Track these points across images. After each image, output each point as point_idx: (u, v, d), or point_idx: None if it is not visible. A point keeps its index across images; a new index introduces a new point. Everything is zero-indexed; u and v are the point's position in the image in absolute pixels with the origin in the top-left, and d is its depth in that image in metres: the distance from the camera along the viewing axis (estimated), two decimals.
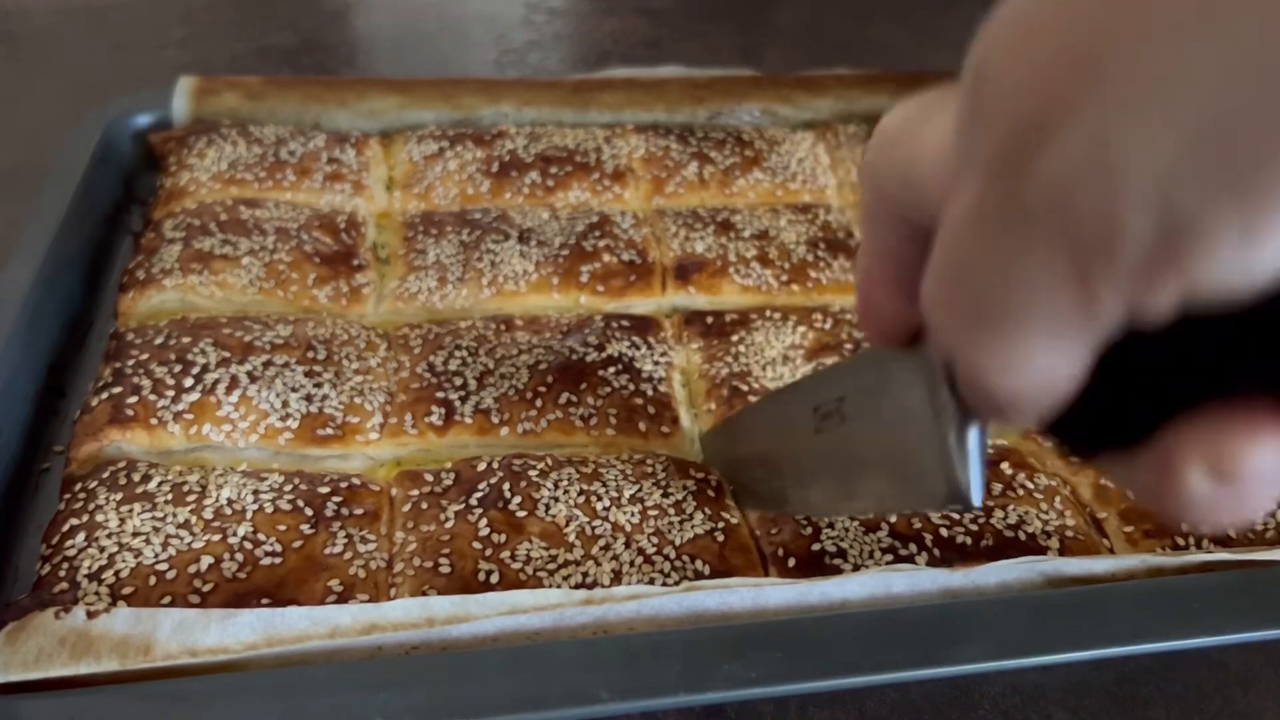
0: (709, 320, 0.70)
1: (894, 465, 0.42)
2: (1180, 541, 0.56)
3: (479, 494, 0.56)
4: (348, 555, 0.53)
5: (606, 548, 0.54)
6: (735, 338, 0.68)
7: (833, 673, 0.47)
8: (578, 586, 0.52)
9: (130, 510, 0.53)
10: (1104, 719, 0.52)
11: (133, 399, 0.60)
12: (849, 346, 0.67)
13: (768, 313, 0.70)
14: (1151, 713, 0.53)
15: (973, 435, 0.37)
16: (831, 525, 0.55)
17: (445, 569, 0.52)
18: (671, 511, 0.56)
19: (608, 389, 0.63)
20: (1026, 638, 0.49)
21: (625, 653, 0.47)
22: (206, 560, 0.51)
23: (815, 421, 0.48)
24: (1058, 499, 0.58)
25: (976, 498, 0.38)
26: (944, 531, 0.55)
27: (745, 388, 0.64)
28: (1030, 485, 0.58)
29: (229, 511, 0.54)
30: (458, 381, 0.63)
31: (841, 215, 0.81)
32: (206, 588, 0.50)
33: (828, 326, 0.69)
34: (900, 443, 0.40)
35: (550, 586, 0.51)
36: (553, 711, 0.45)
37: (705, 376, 0.66)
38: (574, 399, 0.63)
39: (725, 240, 0.77)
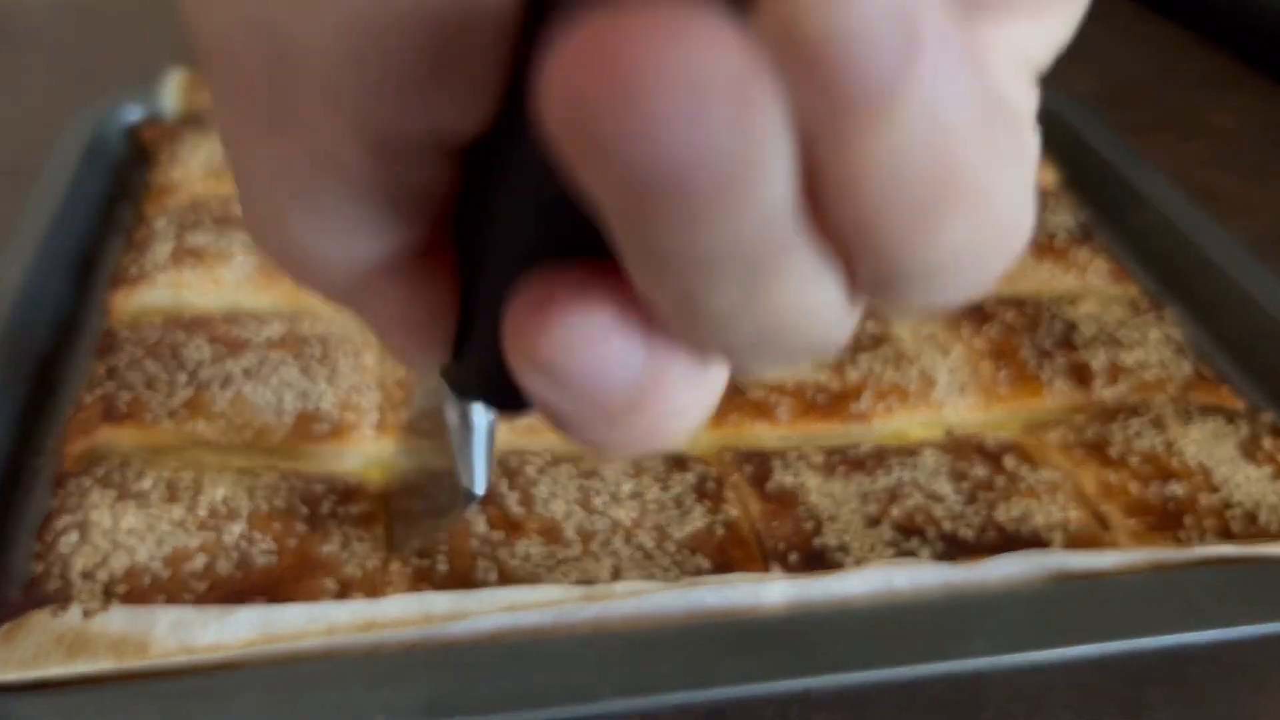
0: None
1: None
2: (1185, 536, 0.56)
3: None
4: (344, 554, 0.52)
5: (605, 543, 0.53)
6: None
7: (835, 669, 0.47)
8: (577, 583, 0.51)
9: (124, 508, 0.53)
10: None
11: (125, 396, 0.59)
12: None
13: None
14: (1159, 716, 0.52)
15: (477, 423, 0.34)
16: (834, 519, 0.55)
17: (442, 567, 0.52)
18: (671, 506, 0.55)
19: None
20: (1031, 633, 0.49)
21: (626, 649, 0.47)
22: (201, 559, 0.51)
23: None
24: (1061, 493, 0.58)
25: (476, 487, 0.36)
26: (947, 526, 0.55)
27: (742, 383, 0.64)
28: (1033, 479, 0.58)
29: (223, 510, 0.53)
30: None
31: None
32: (201, 586, 0.50)
33: None
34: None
35: (549, 583, 0.51)
36: (554, 708, 0.45)
37: None
38: None
39: None
